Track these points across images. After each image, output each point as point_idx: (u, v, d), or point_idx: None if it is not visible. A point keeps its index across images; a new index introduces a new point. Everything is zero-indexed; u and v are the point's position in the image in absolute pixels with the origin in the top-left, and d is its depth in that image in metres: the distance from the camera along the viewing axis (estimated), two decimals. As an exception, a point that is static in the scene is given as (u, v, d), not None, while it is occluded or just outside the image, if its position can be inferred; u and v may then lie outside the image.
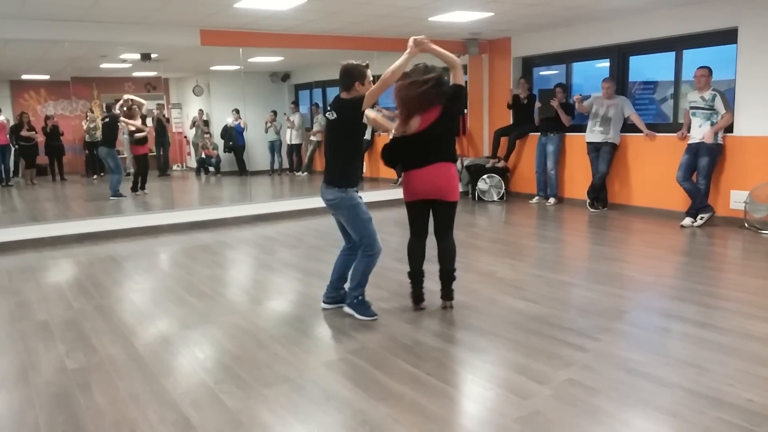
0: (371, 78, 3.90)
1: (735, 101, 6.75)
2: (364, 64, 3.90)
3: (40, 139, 12.28)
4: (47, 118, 12.39)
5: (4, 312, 4.51)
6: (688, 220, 6.84)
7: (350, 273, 4.16)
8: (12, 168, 12.21)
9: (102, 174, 12.84)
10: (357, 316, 4.08)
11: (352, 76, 3.86)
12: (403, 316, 4.12)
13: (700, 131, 6.77)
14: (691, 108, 6.87)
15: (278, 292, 4.99)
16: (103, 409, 2.92)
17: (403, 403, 2.87)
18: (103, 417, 2.84)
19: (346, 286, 4.24)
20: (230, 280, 5.46)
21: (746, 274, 5.07)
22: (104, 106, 10.26)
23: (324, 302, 4.34)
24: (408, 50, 3.83)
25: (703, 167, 6.75)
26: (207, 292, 4.86)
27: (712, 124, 6.69)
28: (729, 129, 6.78)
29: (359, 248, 4.09)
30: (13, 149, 12.06)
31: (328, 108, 3.97)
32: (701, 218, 6.78)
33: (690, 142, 6.90)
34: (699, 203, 6.80)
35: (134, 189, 10.36)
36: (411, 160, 4.00)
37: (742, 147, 6.75)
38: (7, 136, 11.80)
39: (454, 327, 3.91)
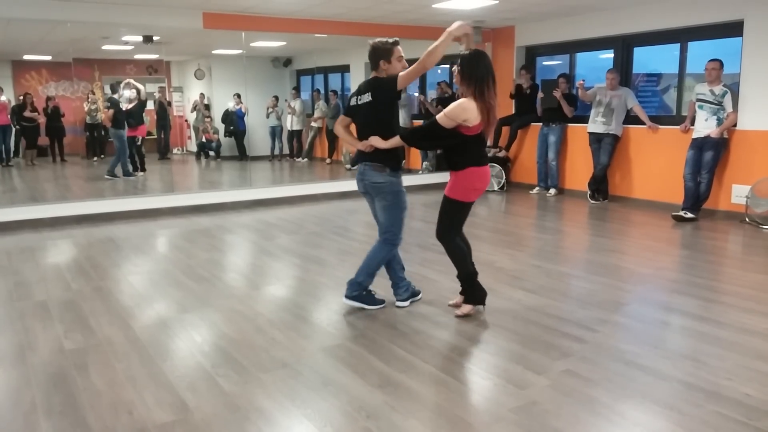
0: (401, 54, 3.79)
1: (739, 95, 6.71)
2: (392, 41, 3.79)
3: (42, 120, 12.25)
4: (48, 99, 12.34)
5: (2, 291, 4.51)
6: (682, 211, 6.86)
7: (365, 261, 3.98)
8: (12, 148, 12.18)
9: (102, 156, 12.83)
10: (368, 307, 3.98)
11: (376, 55, 3.79)
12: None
13: (706, 125, 6.74)
14: (698, 101, 6.83)
15: (277, 277, 4.98)
16: (100, 390, 2.92)
17: (400, 391, 2.87)
18: (100, 398, 2.84)
19: (359, 274, 4.02)
20: (229, 264, 5.45)
21: (746, 268, 5.06)
22: (109, 88, 10.18)
23: (400, 300, 4.10)
24: (448, 33, 3.61)
25: (708, 161, 6.72)
26: (205, 276, 4.85)
27: (719, 120, 6.66)
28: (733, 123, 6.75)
29: (381, 235, 3.97)
30: (14, 129, 12.02)
31: (357, 92, 3.89)
32: (685, 213, 6.80)
33: (695, 136, 6.86)
34: (689, 204, 6.82)
35: (141, 170, 10.39)
36: (482, 157, 3.78)
37: (745, 141, 6.72)
38: (8, 116, 11.76)
39: (452, 315, 3.90)
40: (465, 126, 3.62)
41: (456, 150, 3.75)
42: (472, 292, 3.93)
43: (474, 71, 3.62)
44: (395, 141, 3.78)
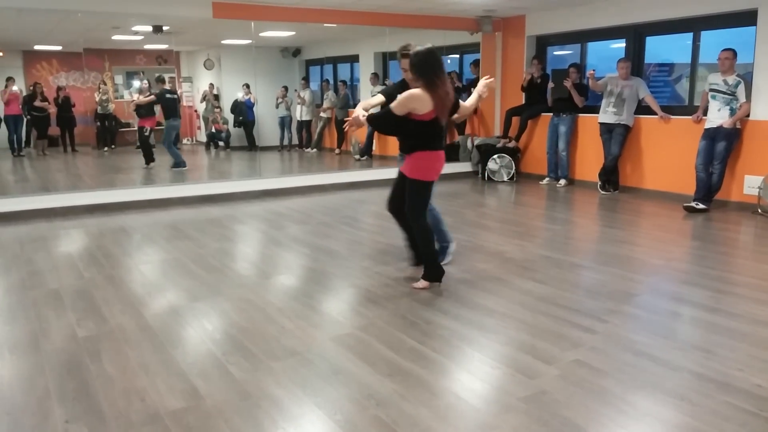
0: (402, 67, 4.26)
1: (753, 85, 6.64)
2: (400, 53, 4.24)
3: (52, 110, 12.31)
4: (59, 89, 12.40)
5: (16, 280, 4.56)
6: (693, 202, 6.81)
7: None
8: (24, 138, 12.25)
9: (113, 146, 12.90)
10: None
11: None
12: (411, 293, 4.12)
13: (718, 115, 6.67)
14: (711, 90, 6.75)
15: (287, 266, 5.00)
16: (113, 377, 2.95)
17: (410, 380, 2.88)
18: (112, 385, 2.87)
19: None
20: (239, 254, 5.48)
21: (758, 259, 5.03)
22: (166, 81, 10.12)
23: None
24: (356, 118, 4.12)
25: (720, 152, 6.66)
26: (216, 266, 4.88)
27: (732, 110, 6.59)
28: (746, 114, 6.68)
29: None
30: (25, 120, 12.09)
31: None
32: (697, 204, 6.75)
33: (707, 126, 6.80)
34: (701, 195, 6.75)
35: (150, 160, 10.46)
36: (435, 141, 4.13)
37: (758, 132, 6.65)
38: (20, 106, 11.83)
39: (462, 305, 3.91)
40: (415, 113, 3.95)
41: (408, 135, 4.14)
42: (431, 270, 4.26)
43: (422, 66, 3.95)
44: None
